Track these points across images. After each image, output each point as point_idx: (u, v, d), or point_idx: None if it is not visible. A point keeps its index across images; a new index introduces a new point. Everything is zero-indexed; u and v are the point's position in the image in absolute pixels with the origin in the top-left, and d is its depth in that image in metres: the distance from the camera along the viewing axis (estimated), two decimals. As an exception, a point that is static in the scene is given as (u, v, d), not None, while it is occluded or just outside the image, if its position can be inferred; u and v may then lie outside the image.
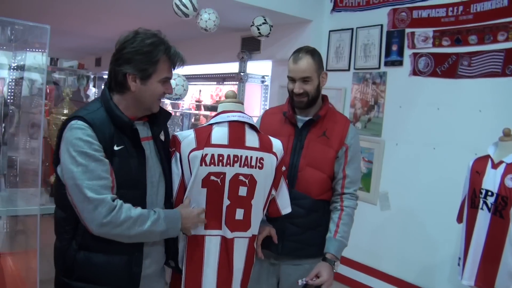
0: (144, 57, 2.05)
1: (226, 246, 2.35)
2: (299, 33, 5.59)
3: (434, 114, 4.31)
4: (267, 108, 3.01)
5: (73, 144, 1.96)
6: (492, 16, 3.92)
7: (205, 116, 7.24)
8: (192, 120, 7.65)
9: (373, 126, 4.83)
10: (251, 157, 2.38)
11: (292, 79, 2.62)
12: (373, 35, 4.83)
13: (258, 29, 4.99)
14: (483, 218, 3.03)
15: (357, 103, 4.99)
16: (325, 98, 2.78)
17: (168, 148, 2.38)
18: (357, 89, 5.01)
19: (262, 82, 6.72)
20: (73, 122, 2.00)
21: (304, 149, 2.62)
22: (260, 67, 6.64)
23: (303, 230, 2.64)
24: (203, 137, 2.34)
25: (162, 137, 2.36)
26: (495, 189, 2.97)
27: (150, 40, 2.08)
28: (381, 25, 4.77)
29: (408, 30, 4.55)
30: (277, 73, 6.23)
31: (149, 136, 2.27)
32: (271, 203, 2.55)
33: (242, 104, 2.56)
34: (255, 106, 6.91)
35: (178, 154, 2.33)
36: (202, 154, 2.29)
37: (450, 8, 4.22)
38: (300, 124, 2.68)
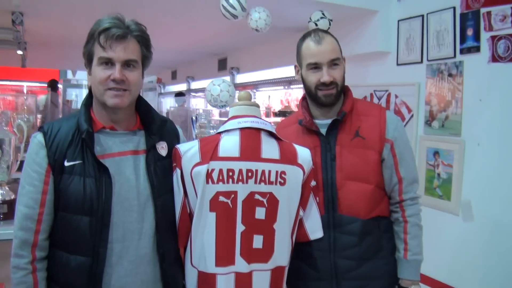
0: (85, 42, 1.84)
1: (243, 285, 1.92)
2: (365, 26, 5.07)
3: (522, 106, 3.62)
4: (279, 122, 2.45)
5: (25, 159, 1.84)
6: None
7: (275, 123, 6.91)
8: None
9: (451, 125, 4.15)
10: (270, 171, 1.96)
11: (315, 67, 2.17)
12: (446, 20, 4.18)
13: (316, 25, 4.55)
14: None
15: (433, 99, 4.36)
16: (346, 89, 2.32)
17: (169, 164, 2.00)
18: (431, 83, 4.38)
19: (332, 83, 6.25)
20: (34, 134, 1.86)
21: (337, 159, 2.15)
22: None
23: (360, 262, 2.15)
24: (209, 149, 1.95)
25: (163, 151, 1.98)
26: None
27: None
28: (454, 8, 4.12)
29: (483, 10, 3.85)
30: (346, 72, 5.69)
31: (140, 150, 1.91)
32: (298, 226, 2.11)
33: (258, 106, 2.13)
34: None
35: (179, 171, 1.97)
36: (208, 170, 1.92)
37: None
38: (323, 130, 2.22)
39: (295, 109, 6.92)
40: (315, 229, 2.12)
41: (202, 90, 9.52)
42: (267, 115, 7.59)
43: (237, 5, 4.15)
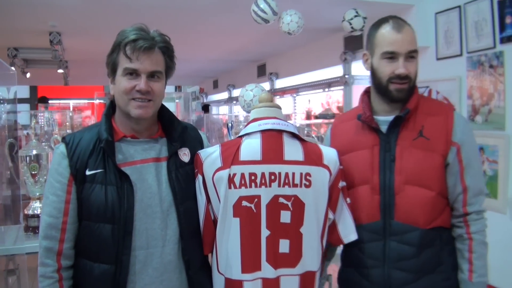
0: (109, 52, 1.85)
1: None
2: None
3: None
4: (336, 117, 2.25)
5: (49, 170, 1.89)
6: None
7: (316, 126, 6.84)
8: (305, 132, 7.28)
9: (495, 118, 3.97)
10: (294, 174, 1.91)
11: (391, 56, 1.94)
12: (484, 9, 4.01)
13: (350, 23, 4.47)
14: None
15: (475, 93, 4.19)
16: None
17: (192, 170, 1.98)
18: (472, 76, 4.21)
19: (371, 82, 6.14)
20: (56, 145, 1.90)
21: (397, 161, 1.95)
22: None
23: (417, 275, 1.95)
24: (230, 153, 1.92)
25: (186, 157, 1.96)
26: None
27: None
28: (492, -4, 3.97)
29: (524, -4, 3.71)
30: (385, 70, 5.60)
31: (162, 157, 1.90)
32: (331, 230, 2.04)
33: (280, 108, 2.08)
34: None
35: (201, 177, 1.94)
36: (230, 174, 1.89)
37: None
38: (384, 128, 2.02)
39: (336, 111, 6.82)
40: (348, 232, 2.01)
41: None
42: (308, 118, 7.52)
43: (267, 9, 4.11)
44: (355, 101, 6.02)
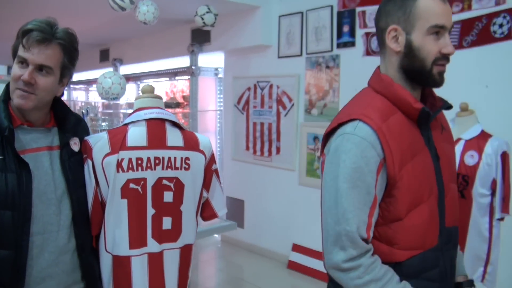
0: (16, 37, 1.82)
1: (155, 264, 2.07)
2: (248, 20, 5.34)
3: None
4: (362, 115, 1.49)
5: None
6: None
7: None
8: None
9: (329, 112, 4.60)
10: (175, 158, 2.12)
11: (439, 30, 1.51)
12: (324, 17, 4.59)
13: (202, 18, 4.73)
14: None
15: (312, 89, 4.76)
16: None
17: (83, 159, 2.07)
18: (311, 74, 4.78)
19: (216, 74, 6.48)
20: None
21: (441, 159, 1.62)
22: (214, 59, 6.38)
23: None
24: (118, 140, 2.05)
25: (76, 146, 2.04)
26: (455, 169, 2.73)
27: None
28: (331, 6, 4.54)
29: (359, 9, 4.35)
30: (230, 64, 6.00)
31: (54, 146, 1.95)
32: (205, 207, 2.29)
33: (161, 98, 2.28)
34: (210, 100, 6.67)
35: (90, 162, 2.03)
36: (118, 159, 2.02)
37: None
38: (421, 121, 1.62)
39: (181, 100, 7.01)
40: (221, 207, 2.32)
41: (83, 82, 9.30)
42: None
43: (126, -3, 4.16)
44: (202, 91, 6.31)
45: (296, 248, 5.10)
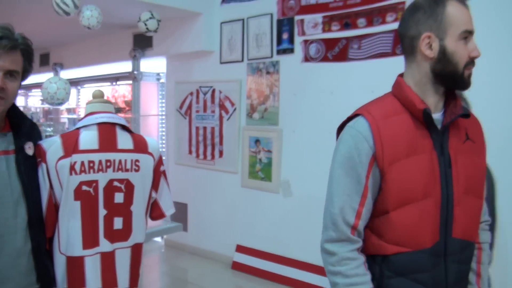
0: None
1: (107, 263, 2.15)
2: (190, 27, 5.43)
3: (328, 98, 4.34)
4: (365, 111, 1.64)
5: None
6: None
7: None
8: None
9: (270, 116, 4.78)
10: (126, 160, 2.21)
11: (467, 35, 1.58)
12: (264, 25, 4.76)
13: (146, 24, 4.79)
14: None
15: (253, 94, 4.92)
16: None
17: (36, 163, 2.13)
18: (252, 80, 4.94)
19: (158, 79, 6.52)
20: None
21: (453, 167, 1.62)
22: (156, 65, 6.42)
23: None
24: (71, 143, 2.12)
25: (30, 151, 2.09)
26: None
27: None
28: (271, 14, 4.72)
29: (297, 18, 4.54)
30: (172, 69, 6.08)
31: (10, 150, 1.99)
32: (153, 207, 2.39)
33: (111, 103, 2.37)
34: (152, 105, 6.70)
35: (44, 165, 2.09)
36: (71, 162, 2.08)
37: (338, -7, 4.24)
38: (438, 126, 1.65)
39: (122, 105, 7.01)
40: (168, 207, 2.43)
41: (22, 87, 8.91)
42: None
43: (69, 2, 4.19)
44: (144, 96, 6.33)
45: (240, 249, 5.21)
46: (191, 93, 5.61)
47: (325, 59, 4.33)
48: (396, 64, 3.83)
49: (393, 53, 3.94)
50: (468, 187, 1.64)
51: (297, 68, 4.53)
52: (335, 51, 4.27)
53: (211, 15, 5.32)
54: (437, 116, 1.63)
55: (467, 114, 1.65)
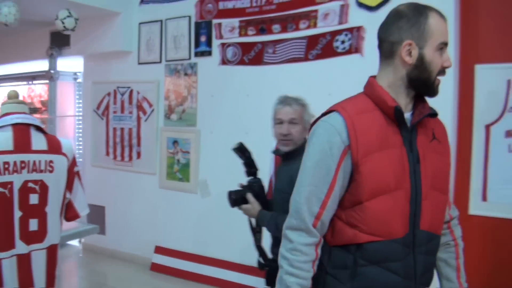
0: None
1: (23, 264, 2.16)
2: (108, 26, 5.39)
3: (245, 100, 4.46)
4: (339, 107, 1.70)
5: None
6: (294, 6, 4.17)
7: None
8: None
9: (188, 117, 4.86)
10: (40, 161, 2.22)
11: (443, 46, 1.70)
12: (182, 27, 4.83)
13: (63, 22, 4.69)
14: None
15: (171, 95, 4.97)
16: None
17: None
18: (170, 81, 4.99)
19: (75, 79, 6.41)
20: None
21: (421, 163, 1.71)
22: (73, 64, 6.28)
23: None
24: None
25: None
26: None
27: None
28: (189, 17, 4.79)
29: (215, 21, 4.64)
30: (90, 69, 5.98)
31: None
32: (68, 208, 2.41)
33: (26, 104, 2.36)
34: (69, 105, 6.55)
35: None
36: None
37: (254, -1, 4.39)
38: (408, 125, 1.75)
39: (39, 105, 6.81)
40: (83, 208, 2.45)
41: None
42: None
43: (-14, -2, 4.04)
44: (61, 96, 6.19)
45: (159, 250, 5.23)
46: (109, 94, 5.57)
47: (241, 62, 4.46)
48: (308, 69, 4.11)
49: (305, 59, 4.13)
50: (434, 183, 1.73)
51: (215, 71, 4.63)
52: (251, 55, 4.41)
53: (130, 15, 5.31)
54: (406, 115, 1.71)
55: (434, 113, 1.77)
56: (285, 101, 2.70)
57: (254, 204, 2.66)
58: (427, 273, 1.76)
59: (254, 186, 2.70)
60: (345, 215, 1.65)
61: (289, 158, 2.62)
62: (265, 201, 2.70)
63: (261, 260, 2.70)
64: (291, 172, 2.42)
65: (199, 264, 4.84)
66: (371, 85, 1.74)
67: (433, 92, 1.72)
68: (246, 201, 2.66)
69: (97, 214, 5.77)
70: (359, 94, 1.77)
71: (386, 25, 1.71)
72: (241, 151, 2.70)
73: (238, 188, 2.71)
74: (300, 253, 1.63)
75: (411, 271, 1.68)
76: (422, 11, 1.68)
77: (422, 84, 1.70)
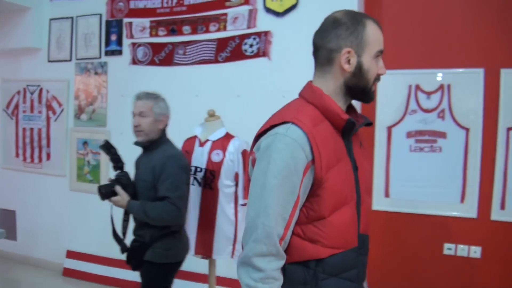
0: None
1: None
2: (18, 21, 5.19)
3: (155, 101, 4.37)
4: (295, 119, 1.61)
5: None
6: (204, 8, 4.19)
7: None
8: None
9: (98, 117, 4.75)
10: None
11: (379, 54, 1.73)
12: (93, 25, 4.72)
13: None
14: (195, 192, 3.17)
15: (81, 94, 4.85)
16: None
17: None
18: (80, 80, 4.87)
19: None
20: None
21: (359, 170, 1.74)
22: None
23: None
24: None
25: None
26: (203, 165, 3.15)
27: None
28: (100, 15, 4.70)
29: (126, 20, 4.58)
30: (-2, 66, 5.73)
31: None
32: None
33: None
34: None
35: None
36: None
37: (165, 0, 4.37)
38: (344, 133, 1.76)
39: None
40: None
41: None
42: None
43: None
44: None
45: (71, 254, 5.08)
46: (18, 92, 5.36)
47: (152, 62, 4.43)
48: (218, 70, 4.13)
49: (215, 61, 4.17)
50: (366, 187, 1.78)
51: (125, 70, 4.56)
52: (162, 56, 4.38)
53: (40, 10, 5.13)
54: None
55: (370, 123, 1.80)
56: (138, 96, 3.03)
57: (123, 196, 2.92)
58: (365, 271, 1.79)
59: (122, 179, 2.96)
60: (304, 231, 1.61)
61: (149, 149, 2.97)
62: (134, 193, 2.97)
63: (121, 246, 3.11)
64: (152, 163, 2.85)
65: (112, 268, 4.73)
66: (319, 95, 1.69)
67: (370, 98, 1.75)
68: (115, 194, 2.92)
69: (7, 219, 5.55)
70: (301, 102, 1.73)
71: (323, 32, 1.70)
72: (107, 148, 2.99)
73: (107, 182, 2.95)
74: (273, 280, 1.55)
75: (362, 275, 1.73)
76: (360, 19, 1.68)
77: (360, 91, 1.72)
